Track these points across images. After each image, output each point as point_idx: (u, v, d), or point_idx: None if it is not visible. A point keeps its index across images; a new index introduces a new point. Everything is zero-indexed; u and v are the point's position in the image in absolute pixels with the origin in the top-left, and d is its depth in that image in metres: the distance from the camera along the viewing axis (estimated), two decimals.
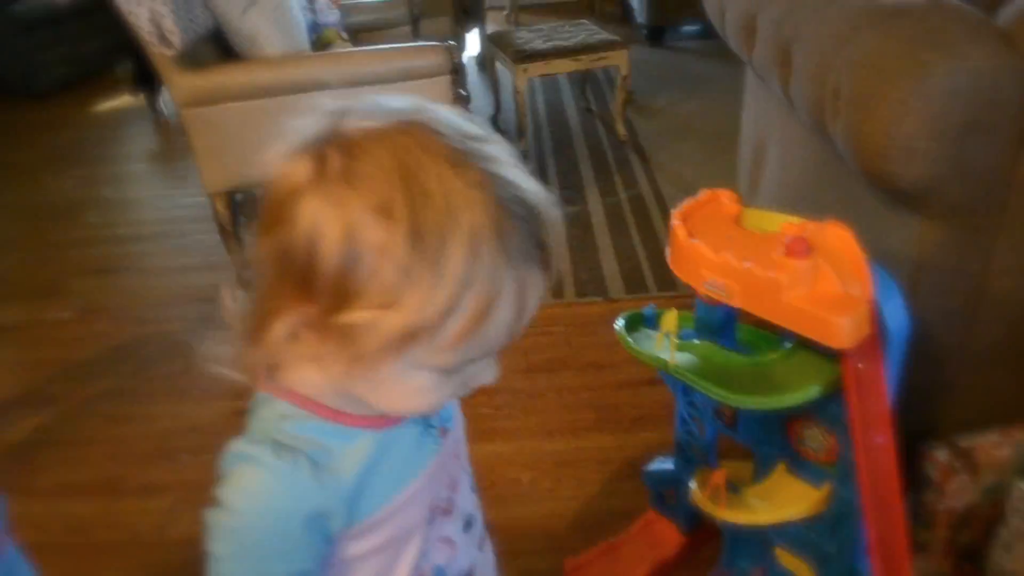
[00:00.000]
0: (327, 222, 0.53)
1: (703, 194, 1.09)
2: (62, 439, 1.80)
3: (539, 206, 0.57)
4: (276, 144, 0.57)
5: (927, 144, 1.06)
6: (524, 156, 2.92)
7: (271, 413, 0.63)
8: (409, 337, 0.54)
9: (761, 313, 0.95)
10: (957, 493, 1.27)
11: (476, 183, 0.54)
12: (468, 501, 0.77)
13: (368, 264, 0.52)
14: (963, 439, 1.28)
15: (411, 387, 0.60)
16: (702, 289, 1.00)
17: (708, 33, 4.29)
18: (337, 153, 0.54)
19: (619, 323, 1.20)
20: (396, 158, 0.53)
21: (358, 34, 2.60)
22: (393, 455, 0.66)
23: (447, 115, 0.58)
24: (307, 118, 0.57)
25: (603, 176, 2.80)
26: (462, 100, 2.09)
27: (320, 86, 1.96)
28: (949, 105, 1.04)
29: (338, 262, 0.53)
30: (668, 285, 2.11)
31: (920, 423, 1.30)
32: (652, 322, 1.21)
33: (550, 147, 3.04)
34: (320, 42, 2.21)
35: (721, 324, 1.13)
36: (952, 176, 1.09)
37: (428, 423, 0.70)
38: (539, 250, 0.57)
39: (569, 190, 2.70)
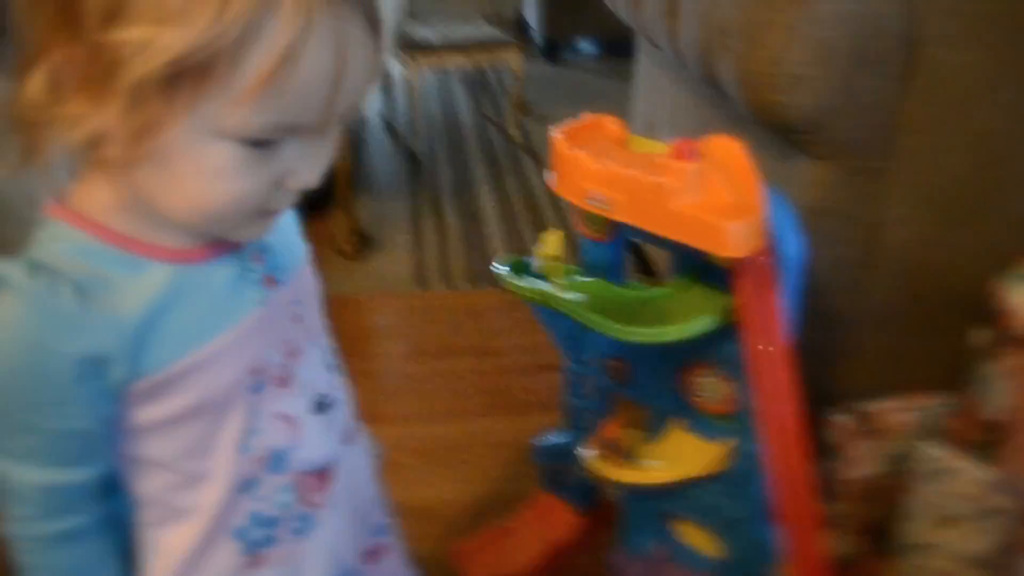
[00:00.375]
0: None
1: (587, 117, 1.02)
2: None
3: None
4: None
5: (814, 71, 1.02)
6: (414, 154, 2.85)
7: (46, 235, 0.52)
8: (195, 71, 0.44)
9: (646, 225, 0.87)
10: (861, 460, 1.23)
11: None
12: (319, 378, 0.66)
13: None
14: (865, 405, 1.24)
15: (209, 166, 0.49)
16: (584, 204, 0.92)
17: (604, 51, 4.38)
18: None
19: (498, 266, 1.11)
20: None
21: None
22: (196, 298, 0.55)
23: None
24: None
25: (496, 175, 2.74)
26: None
27: None
28: (835, 31, 1.01)
29: None
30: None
31: (820, 389, 1.25)
32: (535, 272, 1.12)
33: (443, 148, 2.97)
34: None
35: (610, 262, 1.05)
36: (839, 109, 1.05)
37: (247, 266, 0.59)
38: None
39: (461, 186, 2.62)
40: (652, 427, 1.12)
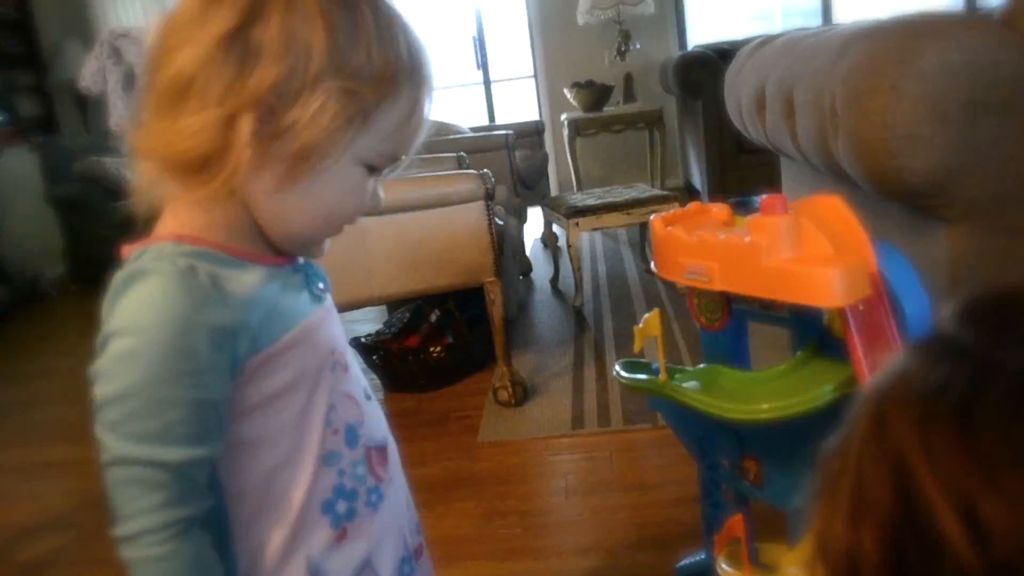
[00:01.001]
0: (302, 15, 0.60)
1: (691, 205, 1.01)
2: (75, 559, 1.71)
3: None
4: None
5: (930, 129, 0.96)
6: (579, 310, 2.88)
7: (159, 250, 0.61)
8: (372, 109, 0.62)
9: (745, 289, 0.83)
10: None
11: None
12: (360, 377, 0.74)
13: (345, 40, 0.61)
14: None
15: (348, 185, 0.64)
16: (683, 280, 0.89)
17: None
18: None
19: (617, 367, 1.08)
20: None
21: None
22: (288, 290, 0.66)
23: None
24: None
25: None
26: (497, 231, 2.08)
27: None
28: (945, 84, 0.95)
29: (318, 41, 0.59)
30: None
31: None
32: (654, 372, 1.08)
33: (608, 304, 2.98)
34: None
35: (728, 350, 1.00)
36: (964, 165, 0.98)
37: (308, 275, 0.70)
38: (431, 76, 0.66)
39: (625, 337, 2.60)
40: (792, 530, 1.01)
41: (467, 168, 2.46)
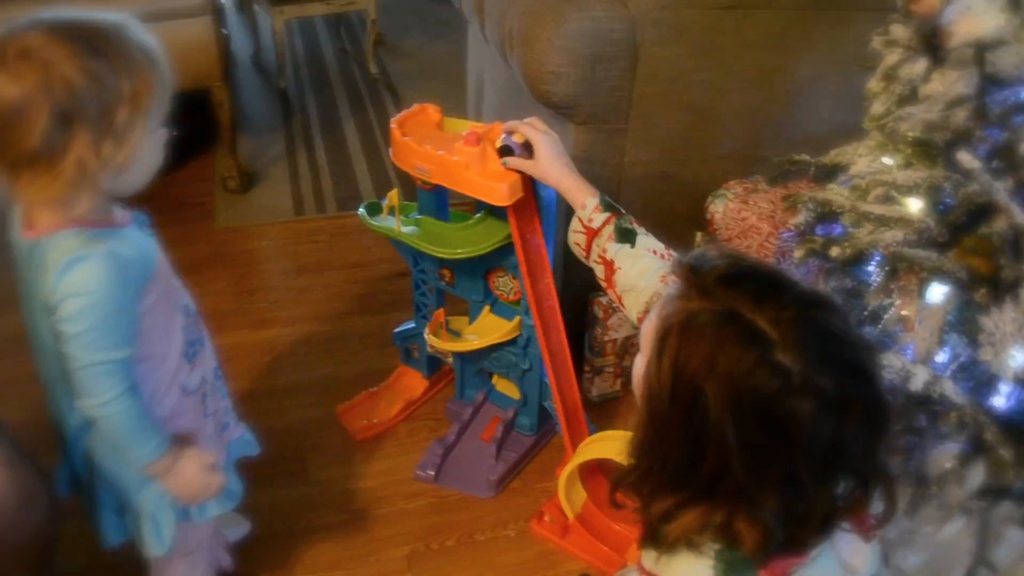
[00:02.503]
0: (74, 78, 0.89)
1: (414, 107, 1.49)
2: None
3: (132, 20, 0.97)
4: None
5: (567, 70, 1.51)
6: (284, 92, 3.20)
7: (64, 241, 0.95)
8: (150, 105, 0.94)
9: (452, 186, 1.37)
10: (616, 326, 1.78)
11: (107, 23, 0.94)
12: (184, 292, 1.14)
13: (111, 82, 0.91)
14: None
15: (152, 151, 0.98)
16: (414, 172, 1.40)
17: None
18: (30, 52, 0.88)
19: (360, 209, 1.58)
20: (61, 31, 0.91)
21: None
22: (142, 240, 1.04)
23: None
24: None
25: (359, 110, 3.13)
26: (224, 39, 2.34)
27: None
28: (579, 42, 1.50)
29: (97, 93, 0.90)
30: (411, 195, 2.50)
31: (588, 281, 1.78)
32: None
33: (309, 85, 3.32)
34: None
35: (435, 204, 1.54)
36: (587, 93, 1.55)
37: (140, 222, 1.06)
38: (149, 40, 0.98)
39: (328, 121, 3.01)
40: (471, 314, 1.65)
41: None
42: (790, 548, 0.77)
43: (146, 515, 1.10)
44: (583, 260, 1.29)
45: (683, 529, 0.78)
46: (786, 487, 0.74)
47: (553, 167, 1.28)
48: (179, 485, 1.07)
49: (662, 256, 1.20)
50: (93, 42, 0.91)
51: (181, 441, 1.07)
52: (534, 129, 1.31)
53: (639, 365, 0.85)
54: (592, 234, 1.24)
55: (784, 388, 0.71)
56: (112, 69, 0.90)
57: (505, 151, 1.31)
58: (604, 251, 1.23)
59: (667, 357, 0.76)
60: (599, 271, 1.25)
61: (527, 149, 1.31)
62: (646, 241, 1.22)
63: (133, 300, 0.99)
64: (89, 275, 0.94)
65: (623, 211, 1.25)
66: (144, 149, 0.95)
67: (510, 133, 1.32)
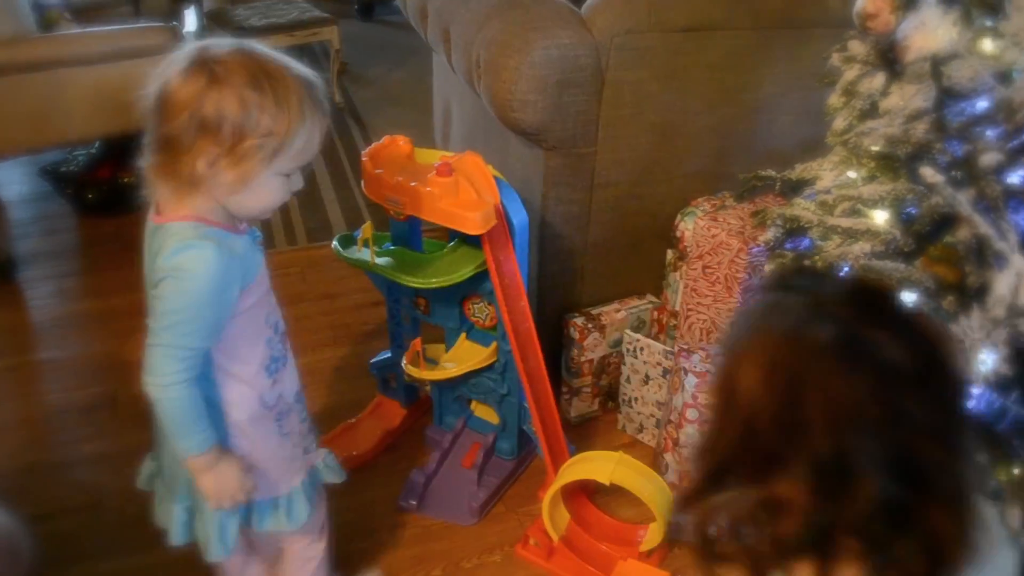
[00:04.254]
0: (228, 100, 0.97)
1: (385, 139, 1.50)
2: None
3: (319, 84, 1.06)
4: (155, 79, 1.00)
5: (535, 97, 1.53)
6: None
7: (182, 229, 1.02)
8: (277, 150, 1.01)
9: (426, 216, 1.37)
10: (592, 347, 1.79)
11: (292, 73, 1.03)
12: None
13: (254, 115, 0.98)
14: (593, 309, 1.81)
15: (271, 190, 1.05)
16: (386, 205, 1.40)
17: None
18: (216, 65, 0.98)
19: (334, 242, 1.58)
20: (251, 62, 1.00)
21: (81, 13, 2.71)
22: (250, 247, 1.10)
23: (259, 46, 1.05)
24: (173, 59, 0.99)
25: (325, 140, 3.13)
26: None
27: (51, 65, 2.13)
28: (547, 69, 1.52)
29: (237, 119, 0.98)
30: (383, 225, 2.51)
31: (562, 301, 1.81)
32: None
33: None
34: (45, 22, 2.34)
35: (408, 234, 1.54)
36: (555, 119, 1.57)
37: (253, 235, 1.13)
38: (323, 107, 1.06)
39: None
40: (448, 342, 1.65)
41: None
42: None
43: (214, 519, 1.14)
44: None
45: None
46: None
47: None
48: (214, 485, 1.10)
49: None
50: (264, 80, 0.99)
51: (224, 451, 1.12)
52: None
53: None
54: None
55: (905, 424, 0.68)
56: (262, 106, 0.98)
57: None
58: None
59: (779, 377, 0.72)
60: None
61: None
62: None
63: (228, 298, 1.04)
64: (196, 260, 1.00)
65: None
66: (261, 183, 1.03)
67: None
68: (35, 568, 1.10)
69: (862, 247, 1.18)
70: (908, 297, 1.12)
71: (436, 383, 1.68)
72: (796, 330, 0.72)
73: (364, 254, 1.50)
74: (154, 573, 1.49)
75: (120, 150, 2.58)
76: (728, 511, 0.74)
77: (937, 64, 1.17)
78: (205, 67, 0.98)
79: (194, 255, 1.00)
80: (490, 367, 1.58)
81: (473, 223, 1.32)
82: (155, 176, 1.02)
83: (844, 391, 0.69)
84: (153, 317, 1.02)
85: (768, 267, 1.34)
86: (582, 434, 1.81)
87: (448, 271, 1.44)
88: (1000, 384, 1.12)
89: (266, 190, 1.04)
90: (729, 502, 0.73)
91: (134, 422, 1.83)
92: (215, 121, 0.97)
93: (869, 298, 0.75)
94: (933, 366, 0.71)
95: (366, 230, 1.47)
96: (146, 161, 1.02)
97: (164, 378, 1.02)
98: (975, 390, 1.16)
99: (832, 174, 1.31)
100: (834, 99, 1.34)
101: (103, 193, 2.53)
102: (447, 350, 1.65)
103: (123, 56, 2.22)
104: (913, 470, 0.68)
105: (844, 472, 0.68)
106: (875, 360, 0.69)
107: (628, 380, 1.80)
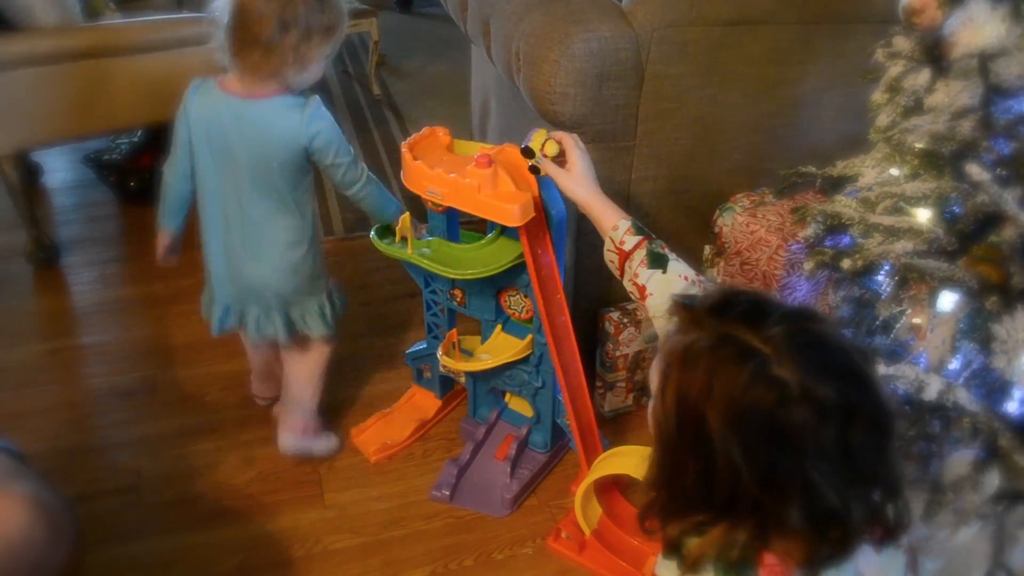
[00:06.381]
0: (300, 6, 1.37)
1: (424, 130, 1.51)
2: None
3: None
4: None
5: (575, 90, 1.53)
6: None
7: (288, 100, 1.44)
8: (332, 39, 1.44)
9: (465, 208, 1.38)
10: (627, 342, 1.79)
11: None
12: None
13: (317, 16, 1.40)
14: (628, 304, 1.80)
15: (320, 68, 1.46)
16: (425, 195, 1.41)
17: None
18: None
19: (372, 233, 1.59)
20: None
21: (125, 2, 2.75)
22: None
23: None
24: None
25: (363, 131, 3.16)
26: None
27: (96, 54, 2.17)
28: (587, 62, 1.51)
29: (308, 19, 1.39)
30: (420, 218, 2.52)
31: (599, 297, 1.81)
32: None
33: None
34: (90, 11, 2.38)
35: (446, 226, 1.55)
36: (595, 112, 1.57)
37: None
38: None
39: None
40: (483, 334, 1.65)
41: None
42: (836, 554, 0.78)
43: (323, 303, 1.66)
44: (619, 278, 1.30)
45: (706, 546, 0.79)
46: (805, 496, 0.75)
47: (583, 183, 1.31)
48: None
49: (692, 282, 1.21)
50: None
51: None
52: (575, 144, 1.33)
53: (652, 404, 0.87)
54: (624, 256, 1.25)
55: (783, 399, 0.73)
56: (324, 11, 1.39)
57: (526, 152, 1.32)
58: (636, 276, 1.24)
59: (670, 389, 0.79)
60: (633, 293, 1.26)
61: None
62: (677, 267, 1.23)
63: None
64: (322, 113, 1.45)
65: (654, 236, 1.26)
66: (317, 63, 1.43)
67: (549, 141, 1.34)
68: (80, 546, 1.13)
69: (904, 245, 1.17)
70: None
71: (471, 375, 1.69)
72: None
73: (401, 244, 1.51)
74: (191, 554, 1.52)
75: (162, 139, 2.62)
76: (716, 552, 0.79)
77: (985, 61, 1.15)
78: None
79: (318, 111, 1.44)
80: (525, 360, 1.59)
81: (512, 215, 1.32)
82: (246, 69, 1.39)
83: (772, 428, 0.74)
84: (327, 154, 1.47)
85: (807, 264, 1.32)
86: (616, 428, 1.81)
87: (485, 262, 1.44)
88: None
89: (318, 68, 1.44)
90: (714, 543, 0.79)
91: (173, 407, 1.90)
92: (295, 21, 1.35)
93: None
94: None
95: (404, 221, 1.48)
96: (229, 58, 1.39)
97: (361, 179, 1.54)
98: (1017, 392, 1.14)
99: (874, 171, 1.29)
100: (877, 95, 1.32)
101: (145, 181, 2.56)
102: (483, 342, 1.65)
103: (167, 46, 2.25)
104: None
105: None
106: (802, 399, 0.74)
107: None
